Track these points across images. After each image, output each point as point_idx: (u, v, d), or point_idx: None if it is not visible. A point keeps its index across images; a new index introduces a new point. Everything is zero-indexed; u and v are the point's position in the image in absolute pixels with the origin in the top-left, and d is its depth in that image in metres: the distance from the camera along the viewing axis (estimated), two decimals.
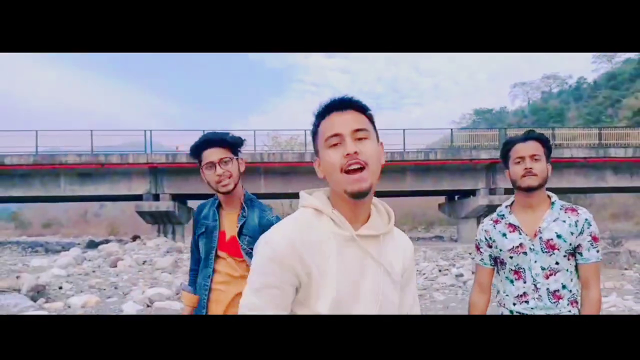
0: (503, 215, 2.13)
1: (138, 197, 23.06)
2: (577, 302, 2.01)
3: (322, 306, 1.12)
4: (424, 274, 11.12)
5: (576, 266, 2.00)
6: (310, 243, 1.13)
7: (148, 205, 22.52)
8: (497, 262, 2.14)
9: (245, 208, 2.17)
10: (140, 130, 23.78)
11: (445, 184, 24.11)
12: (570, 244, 1.99)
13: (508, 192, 23.77)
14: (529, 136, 2.10)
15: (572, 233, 1.99)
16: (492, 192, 23.90)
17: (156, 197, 22.90)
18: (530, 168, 2.01)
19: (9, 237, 36.27)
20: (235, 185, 2.13)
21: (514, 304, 2.02)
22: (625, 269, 10.98)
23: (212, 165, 2.09)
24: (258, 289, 1.12)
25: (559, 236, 1.99)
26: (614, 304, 7.59)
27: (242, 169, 2.18)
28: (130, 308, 7.52)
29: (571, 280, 2.00)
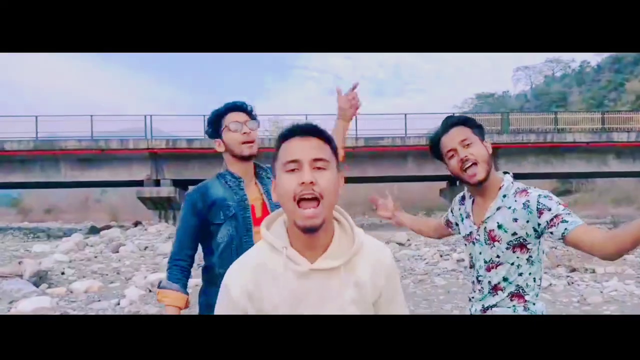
0: (464, 197, 2.00)
1: (139, 183, 23.08)
2: (522, 297, 1.80)
3: None
4: (424, 259, 11.17)
5: (528, 259, 1.78)
6: (263, 281, 1.14)
7: (149, 191, 22.55)
8: None
9: (262, 174, 2.15)
10: (141, 116, 23.73)
11: (446, 169, 24.08)
12: (515, 233, 1.76)
13: None
14: (449, 123, 1.88)
15: (515, 220, 1.76)
16: None
17: (157, 183, 22.92)
18: (466, 156, 1.78)
19: (10, 223, 36.46)
20: (255, 152, 2.10)
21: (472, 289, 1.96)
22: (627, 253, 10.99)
23: (238, 125, 2.05)
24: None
25: (499, 226, 1.79)
26: (615, 289, 7.62)
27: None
28: (132, 293, 7.57)
29: (518, 274, 1.79)
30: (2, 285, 7.95)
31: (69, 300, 7.56)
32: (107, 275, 9.75)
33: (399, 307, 1.26)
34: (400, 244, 13.53)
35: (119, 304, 7.05)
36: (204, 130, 2.43)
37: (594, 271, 9.22)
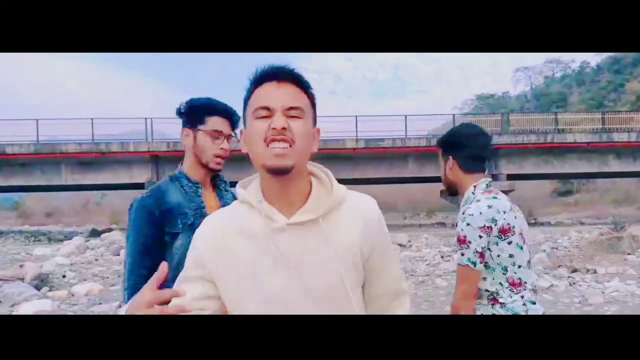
0: None
1: (140, 186, 23.08)
2: (497, 300, 1.89)
3: (252, 304, 1.06)
4: (426, 260, 11.16)
5: (485, 265, 1.87)
6: (235, 238, 1.07)
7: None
8: None
9: (221, 185, 1.94)
10: (141, 119, 23.73)
11: None
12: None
13: (510, 177, 23.76)
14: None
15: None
16: (494, 178, 23.86)
17: None
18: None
19: (11, 226, 36.46)
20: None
21: None
22: (628, 253, 10.98)
23: (220, 136, 1.81)
24: (181, 279, 1.11)
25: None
26: (616, 289, 7.61)
27: None
28: None
29: (483, 278, 1.89)
30: (3, 288, 7.95)
31: (70, 303, 7.57)
32: (108, 278, 9.75)
33: (393, 259, 1.20)
34: (401, 245, 13.52)
35: (120, 306, 7.04)
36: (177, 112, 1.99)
37: (595, 272, 9.20)
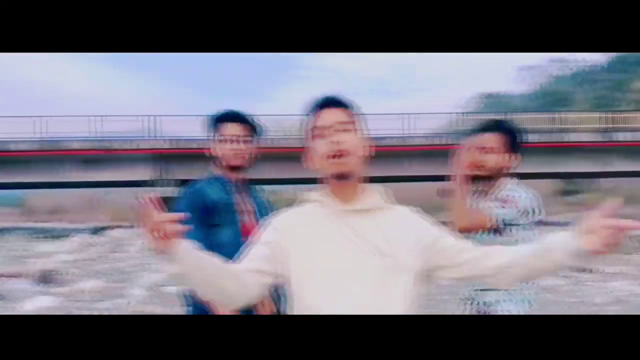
0: None
1: (144, 183, 23.12)
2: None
3: (300, 278, 1.24)
4: None
5: None
6: (298, 225, 1.32)
7: (153, 191, 22.55)
8: None
9: (252, 187, 2.17)
10: (146, 116, 23.78)
11: (447, 170, 23.98)
12: None
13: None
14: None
15: None
16: None
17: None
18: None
19: (15, 223, 36.60)
20: (247, 165, 2.13)
21: None
22: (630, 253, 10.94)
23: (233, 139, 2.04)
24: (253, 241, 1.34)
25: None
26: (620, 289, 7.59)
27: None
28: (137, 293, 7.60)
29: None
30: (7, 285, 8.00)
31: (73, 299, 7.60)
32: (111, 275, 9.79)
33: (451, 240, 1.36)
34: None
35: (122, 303, 7.08)
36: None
37: (599, 271, 9.18)
